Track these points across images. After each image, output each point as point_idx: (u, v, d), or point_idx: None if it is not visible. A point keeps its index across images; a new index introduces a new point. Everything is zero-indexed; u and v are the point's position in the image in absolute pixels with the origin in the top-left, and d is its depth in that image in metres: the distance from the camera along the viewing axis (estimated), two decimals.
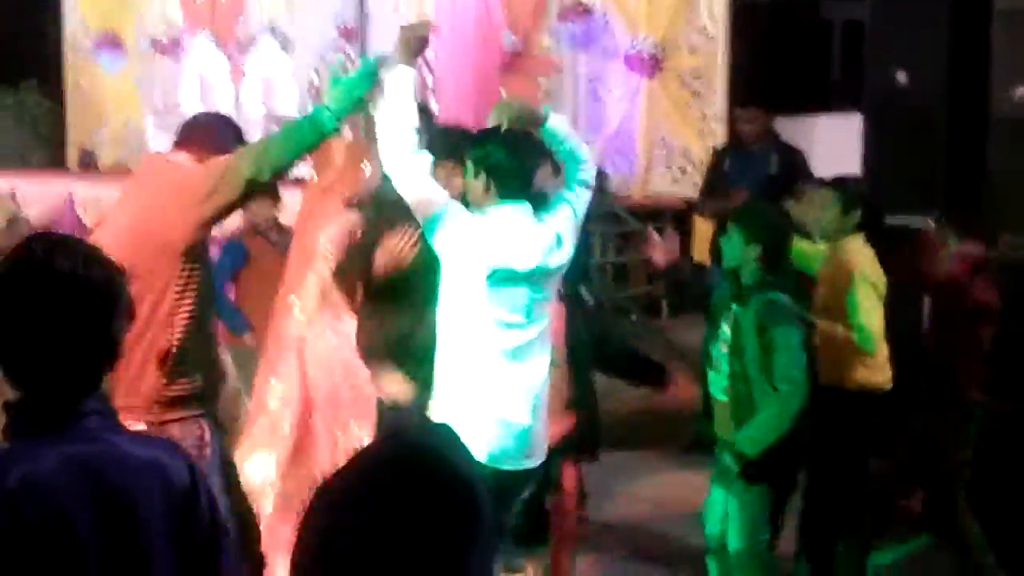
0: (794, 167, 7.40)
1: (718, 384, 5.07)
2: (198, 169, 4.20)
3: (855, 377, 5.61)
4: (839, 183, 6.09)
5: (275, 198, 6.80)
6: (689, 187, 11.29)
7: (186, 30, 14.88)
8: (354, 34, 13.25)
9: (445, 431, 1.62)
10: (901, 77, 6.71)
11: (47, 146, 16.05)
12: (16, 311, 2.20)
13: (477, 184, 4.33)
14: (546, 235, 4.35)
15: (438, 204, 4.23)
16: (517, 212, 4.31)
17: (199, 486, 2.28)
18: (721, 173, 7.83)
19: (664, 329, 10.21)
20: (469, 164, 4.37)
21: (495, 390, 4.29)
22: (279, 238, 6.67)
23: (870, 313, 5.53)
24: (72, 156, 15.50)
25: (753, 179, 7.21)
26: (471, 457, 1.60)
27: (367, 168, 5.76)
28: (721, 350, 5.04)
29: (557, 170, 5.30)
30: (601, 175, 12.01)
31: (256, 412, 5.75)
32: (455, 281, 4.27)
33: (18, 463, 2.11)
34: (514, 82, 12.61)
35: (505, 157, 4.34)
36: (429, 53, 11.93)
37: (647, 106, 12.29)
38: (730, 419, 4.98)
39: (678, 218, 11.15)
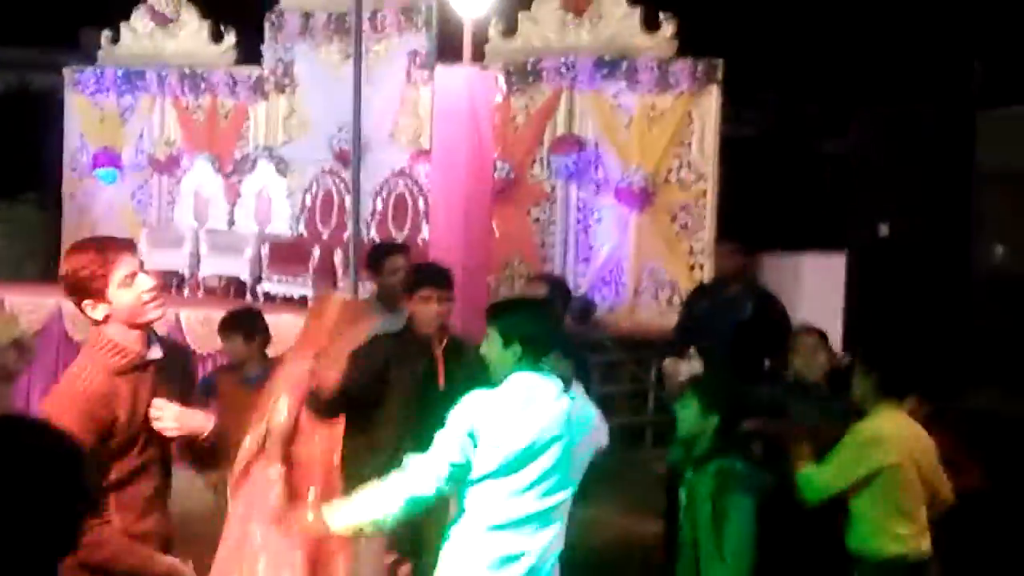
0: (769, 313, 7.40)
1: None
2: None
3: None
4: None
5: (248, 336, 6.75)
6: (676, 319, 11.38)
7: (185, 150, 15.11)
8: (348, 157, 13.45)
9: None
10: (883, 229, 6.83)
11: (41, 258, 16.17)
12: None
13: (508, 354, 4.36)
14: (575, 409, 4.39)
15: (462, 447, 4.23)
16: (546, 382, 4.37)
17: None
18: (695, 316, 7.81)
19: (646, 461, 10.23)
20: (498, 334, 4.39)
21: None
22: (258, 373, 6.54)
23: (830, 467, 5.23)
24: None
25: (727, 324, 7.21)
26: None
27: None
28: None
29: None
30: (588, 304, 12.21)
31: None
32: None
33: None
34: (506, 210, 12.82)
35: (537, 326, 4.45)
36: (422, 179, 12.24)
37: (636, 238, 12.47)
38: None
39: (662, 351, 11.20)
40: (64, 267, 3.87)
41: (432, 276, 5.66)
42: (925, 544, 5.22)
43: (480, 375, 5.02)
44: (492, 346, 4.39)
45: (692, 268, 12.16)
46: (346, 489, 5.03)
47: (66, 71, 16.12)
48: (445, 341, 5.60)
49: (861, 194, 7.30)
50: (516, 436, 4.21)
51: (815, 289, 10.81)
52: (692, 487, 4.98)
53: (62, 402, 3.76)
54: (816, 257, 11.19)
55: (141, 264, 3.93)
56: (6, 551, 2.14)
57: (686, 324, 7.84)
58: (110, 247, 3.85)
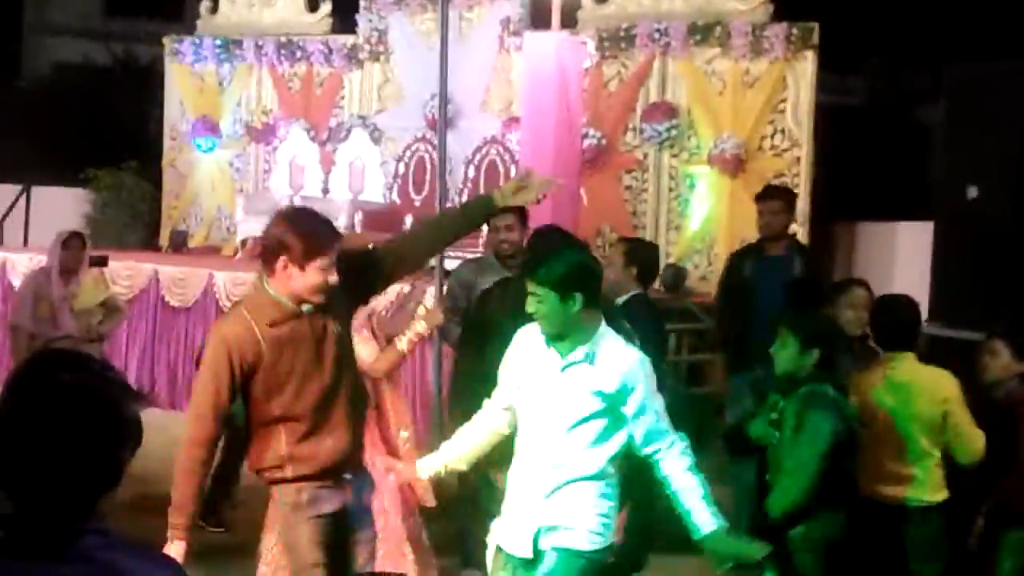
0: (818, 272, 7.30)
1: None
2: None
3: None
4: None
5: None
6: None
7: (280, 118, 15.27)
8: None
9: None
10: (971, 191, 6.66)
11: (143, 226, 16.49)
12: (20, 427, 2.16)
13: (568, 306, 4.29)
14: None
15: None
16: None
17: None
18: (741, 277, 7.68)
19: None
20: (550, 290, 4.30)
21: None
22: None
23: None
24: (165, 237, 15.89)
25: (776, 284, 7.10)
26: None
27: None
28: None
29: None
30: (680, 272, 12.11)
31: None
32: None
33: None
34: (597, 178, 12.77)
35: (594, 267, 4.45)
36: (514, 146, 12.23)
37: (729, 206, 12.32)
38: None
39: None
40: (282, 223, 4.36)
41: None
42: None
43: None
44: (545, 301, 4.27)
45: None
46: (453, 425, 5.11)
47: (166, 41, 16.38)
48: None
49: (950, 157, 7.10)
50: None
51: (908, 257, 10.65)
52: (783, 415, 4.94)
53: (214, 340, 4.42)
54: (909, 225, 11.00)
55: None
56: (48, 485, 2.15)
57: (732, 284, 7.73)
58: (332, 234, 4.42)
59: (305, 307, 4.40)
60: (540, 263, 4.40)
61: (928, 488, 5.37)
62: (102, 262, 9.17)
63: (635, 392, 4.24)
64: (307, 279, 4.31)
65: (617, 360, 4.29)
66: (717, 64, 12.52)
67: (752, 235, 12.03)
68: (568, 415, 4.30)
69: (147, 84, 18.22)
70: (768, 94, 12.20)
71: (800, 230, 11.65)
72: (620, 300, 6.12)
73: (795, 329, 5.02)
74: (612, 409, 4.26)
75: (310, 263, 4.29)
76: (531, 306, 4.33)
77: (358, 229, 13.06)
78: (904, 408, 5.32)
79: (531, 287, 4.30)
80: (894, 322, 5.46)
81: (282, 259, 4.30)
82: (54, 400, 2.16)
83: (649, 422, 4.27)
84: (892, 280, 10.70)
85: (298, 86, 15.39)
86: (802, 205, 11.96)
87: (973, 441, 5.33)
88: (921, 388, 5.33)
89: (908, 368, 5.39)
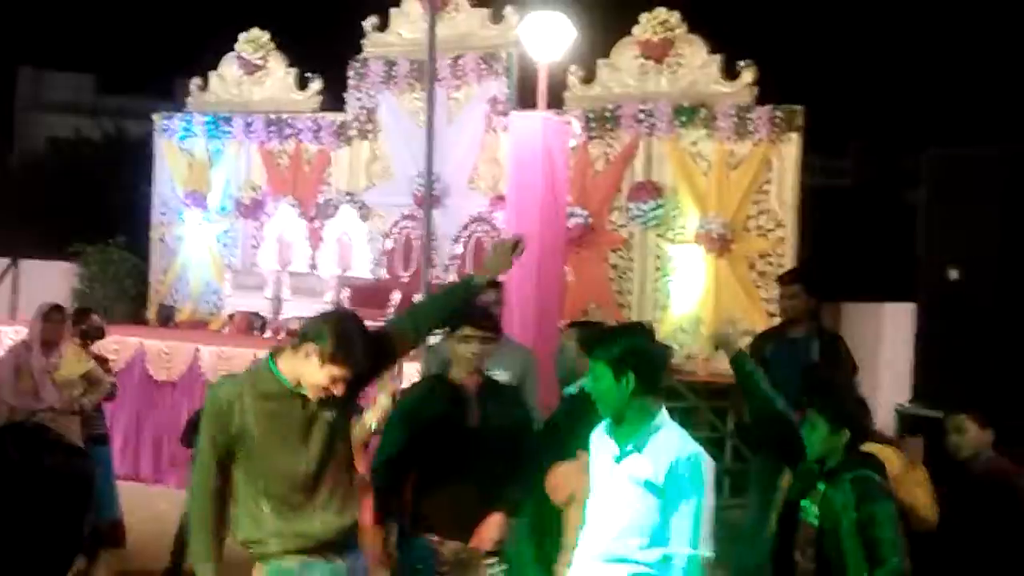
0: (836, 354, 7.31)
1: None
2: None
3: None
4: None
5: None
6: None
7: (269, 194, 15.35)
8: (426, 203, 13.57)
9: None
10: (952, 273, 6.71)
11: (130, 300, 16.49)
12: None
13: (621, 386, 4.29)
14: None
15: None
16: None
17: None
18: (761, 359, 7.72)
19: (724, 509, 10.10)
20: (606, 366, 4.33)
21: None
22: None
23: None
24: (153, 311, 15.89)
25: (794, 366, 7.11)
26: None
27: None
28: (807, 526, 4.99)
29: None
30: (665, 351, 12.12)
31: None
32: None
33: None
34: (583, 257, 12.83)
35: (651, 352, 4.48)
36: (501, 224, 12.29)
37: (715, 285, 12.37)
38: None
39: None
40: (341, 324, 4.51)
41: (473, 315, 5.64)
42: None
43: (518, 414, 5.09)
44: (601, 379, 4.30)
45: (771, 316, 12.03)
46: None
47: (156, 117, 16.49)
48: (480, 382, 5.60)
49: (931, 239, 7.16)
50: None
51: (894, 338, 10.68)
52: (827, 499, 4.89)
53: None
54: (894, 306, 11.04)
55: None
56: (28, 551, 2.18)
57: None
58: (365, 363, 4.53)
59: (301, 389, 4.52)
60: (600, 339, 4.43)
61: None
62: (100, 334, 9.19)
63: (679, 486, 4.20)
64: (316, 376, 4.43)
65: (669, 450, 4.24)
66: (702, 145, 12.63)
67: (738, 313, 12.19)
68: (621, 507, 4.28)
69: (137, 160, 18.28)
70: (753, 175, 12.29)
71: None
72: (569, 390, 6.01)
73: (823, 411, 5.00)
74: (663, 502, 4.22)
75: (330, 365, 4.41)
76: (589, 384, 4.36)
77: (345, 305, 13.08)
78: None
79: (590, 364, 4.34)
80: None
81: (312, 346, 4.42)
82: (28, 481, 2.21)
83: (678, 521, 4.22)
84: (878, 360, 10.71)
85: (287, 162, 15.47)
86: None
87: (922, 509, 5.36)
88: None
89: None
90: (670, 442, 4.27)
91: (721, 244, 12.31)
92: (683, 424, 11.13)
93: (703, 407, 11.64)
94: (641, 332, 4.66)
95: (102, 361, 9.25)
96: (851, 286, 12.77)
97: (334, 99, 15.24)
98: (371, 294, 13.09)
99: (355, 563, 4.68)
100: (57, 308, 8.38)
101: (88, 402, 8.20)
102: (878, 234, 13.66)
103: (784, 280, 7.78)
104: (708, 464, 4.27)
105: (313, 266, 14.30)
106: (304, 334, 4.48)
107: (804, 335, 7.44)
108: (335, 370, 4.41)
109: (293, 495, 4.49)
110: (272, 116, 15.44)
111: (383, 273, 13.89)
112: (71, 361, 8.19)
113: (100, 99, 24.40)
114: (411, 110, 14.25)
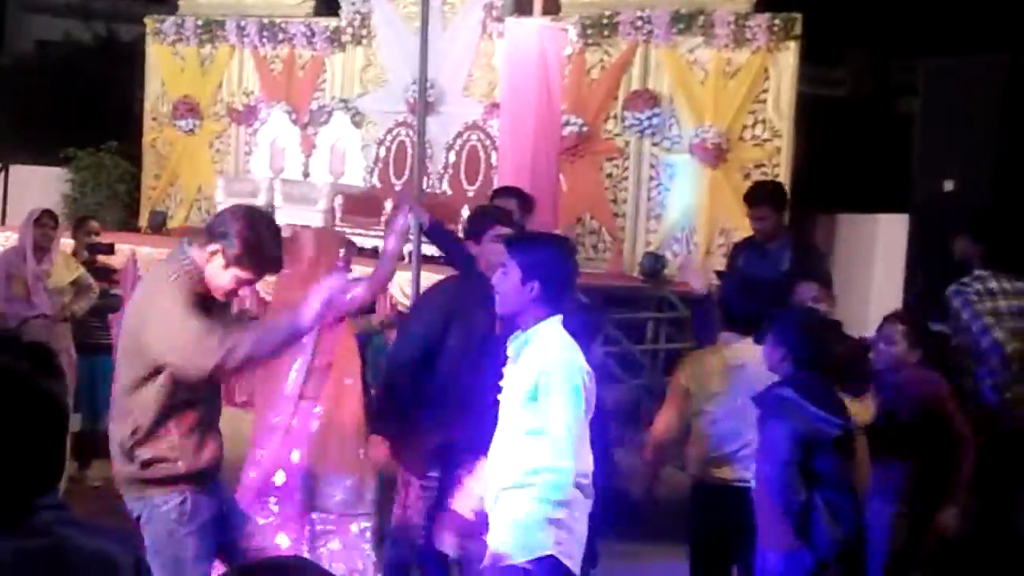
0: (809, 265, 7.33)
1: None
2: None
3: None
4: None
5: None
6: None
7: (262, 100, 15.22)
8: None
9: None
10: (947, 184, 6.67)
11: (122, 206, 16.42)
12: None
13: (524, 290, 4.28)
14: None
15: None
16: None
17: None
18: (735, 268, 7.80)
19: None
20: (518, 268, 4.30)
21: None
22: None
23: None
24: (144, 217, 15.83)
25: (765, 275, 7.15)
26: None
27: (342, 253, 5.94)
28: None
29: None
30: (659, 261, 12.11)
31: None
32: None
33: None
34: (578, 166, 12.75)
35: (562, 267, 4.42)
36: (495, 132, 12.20)
37: (709, 195, 12.32)
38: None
39: None
40: (237, 221, 4.23)
41: (500, 215, 5.66)
42: None
43: None
44: (509, 279, 4.30)
45: None
46: None
47: (148, 20, 16.32)
48: None
49: (926, 150, 7.11)
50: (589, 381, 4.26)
51: (887, 249, 10.66)
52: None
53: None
54: (888, 217, 11.01)
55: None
56: (13, 463, 2.19)
57: (725, 275, 7.86)
58: (277, 261, 4.38)
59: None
60: (521, 240, 4.43)
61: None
62: (108, 250, 9.15)
63: (543, 396, 4.19)
64: (221, 277, 4.23)
65: (536, 360, 4.24)
66: (699, 53, 12.50)
67: (731, 224, 12.15)
68: (506, 414, 4.32)
69: (129, 64, 18.09)
70: (750, 84, 12.18)
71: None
72: None
73: (774, 326, 5.02)
74: (533, 414, 4.22)
75: (235, 268, 4.21)
76: (496, 278, 4.35)
77: (338, 213, 13.03)
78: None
79: (505, 258, 4.32)
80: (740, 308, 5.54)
81: (217, 245, 4.19)
82: (14, 393, 2.20)
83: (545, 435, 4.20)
84: (871, 271, 10.71)
85: (280, 68, 15.33)
86: None
87: None
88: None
89: (744, 351, 5.41)
90: (538, 352, 4.24)
91: (717, 154, 12.24)
92: (673, 335, 11.20)
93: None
94: (561, 246, 4.66)
95: (110, 273, 9.22)
96: (846, 197, 12.72)
97: (328, 4, 15.07)
98: (364, 202, 13.03)
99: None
100: (48, 213, 8.31)
101: (78, 309, 8.17)
102: (874, 144, 13.55)
103: (750, 202, 7.78)
104: (572, 373, 4.22)
105: (306, 173, 14.22)
106: (211, 231, 4.24)
107: (777, 246, 7.48)
108: (240, 273, 4.21)
109: (202, 409, 4.29)
110: (265, 21, 15.27)
111: (376, 181, 13.82)
112: (61, 268, 8.15)
113: (91, 1, 24.06)
114: (405, 15, 14.06)
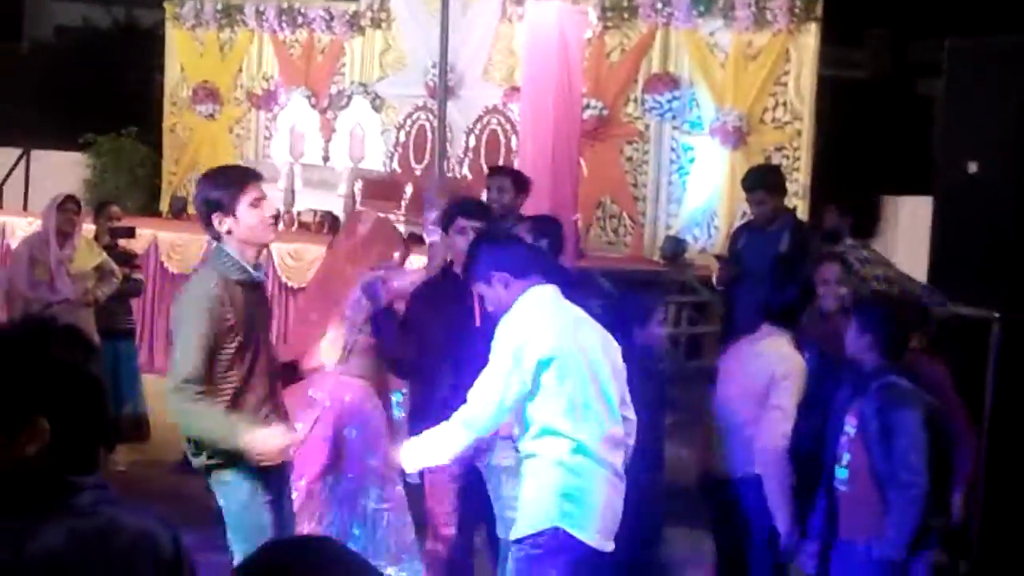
0: (805, 247, 7.38)
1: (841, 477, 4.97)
2: None
3: None
4: None
5: None
6: None
7: (282, 85, 15.22)
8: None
9: None
10: (971, 166, 6.63)
11: (143, 191, 16.46)
12: (17, 396, 2.23)
13: (499, 287, 4.53)
14: None
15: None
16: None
17: (182, 555, 2.36)
18: (734, 251, 7.92)
19: None
20: (485, 283, 4.60)
21: None
22: None
23: None
24: (165, 202, 15.86)
25: (764, 258, 7.20)
26: None
27: (399, 255, 5.92)
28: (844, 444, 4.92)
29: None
30: (679, 244, 12.09)
31: None
32: None
33: (29, 537, 2.18)
34: (598, 149, 12.72)
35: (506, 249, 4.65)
36: (515, 116, 12.18)
37: (730, 178, 12.27)
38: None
39: None
40: (200, 184, 4.49)
41: (467, 207, 5.64)
42: None
43: None
44: (486, 289, 4.52)
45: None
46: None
47: (167, 5, 16.32)
48: None
49: (950, 132, 7.07)
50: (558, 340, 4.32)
51: (909, 232, 10.61)
52: (861, 411, 4.82)
53: (187, 300, 4.40)
54: (910, 199, 10.97)
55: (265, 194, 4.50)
56: (57, 444, 2.22)
57: (728, 257, 8.02)
58: (245, 172, 4.60)
59: (258, 274, 4.49)
60: (466, 267, 4.74)
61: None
62: (129, 233, 9.18)
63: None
64: (250, 216, 4.36)
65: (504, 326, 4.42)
66: (720, 36, 12.45)
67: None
68: None
69: (148, 48, 18.12)
70: (770, 67, 12.14)
71: (800, 204, 11.63)
72: None
73: (858, 312, 5.04)
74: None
75: (242, 198, 4.35)
76: (479, 293, 4.64)
77: (358, 198, 13.02)
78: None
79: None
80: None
81: (216, 206, 4.36)
82: (46, 375, 2.23)
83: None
84: (894, 255, 10.67)
85: (299, 52, 15.33)
86: (803, 179, 11.95)
87: None
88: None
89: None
90: (509, 318, 4.43)
91: (737, 137, 12.20)
92: (695, 318, 11.19)
93: (715, 300, 11.63)
94: (490, 236, 4.88)
95: (132, 257, 9.24)
96: (868, 179, 12.68)
97: None
98: (384, 187, 13.01)
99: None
100: (71, 198, 8.35)
101: (101, 294, 8.20)
102: (896, 126, 13.51)
103: (745, 187, 7.84)
104: (516, 337, 4.35)
105: (326, 158, 14.20)
106: (200, 211, 4.43)
107: (776, 228, 7.55)
108: (251, 192, 4.37)
109: (262, 393, 4.46)
110: (284, 5, 15.26)
111: (396, 166, 13.81)
112: (84, 253, 8.18)
113: None
114: None
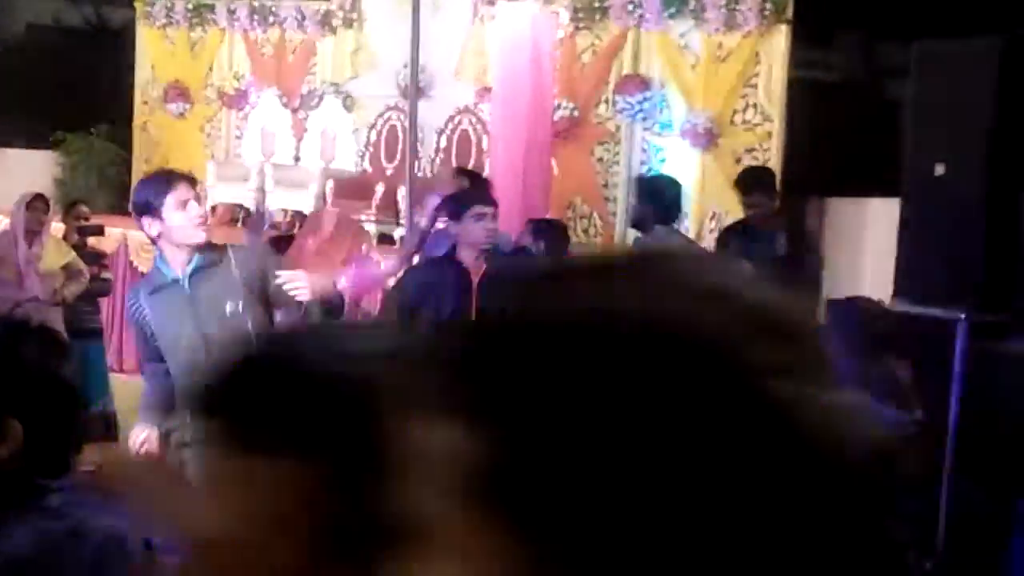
0: (803, 248, 7.35)
1: None
2: None
3: None
4: None
5: None
6: None
7: (253, 84, 15.18)
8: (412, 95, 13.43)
9: None
10: (939, 168, 6.67)
11: (112, 190, 16.38)
12: None
13: None
14: None
15: None
16: None
17: (154, 556, 2.36)
18: (729, 252, 7.77)
19: None
20: None
21: None
22: None
23: None
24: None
25: (758, 259, 7.13)
26: None
27: (366, 248, 5.95)
28: None
29: None
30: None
31: None
32: None
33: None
34: (569, 150, 12.74)
35: None
36: (487, 116, 12.19)
37: (700, 179, 12.32)
38: None
39: None
40: (133, 189, 4.91)
41: (480, 194, 5.68)
42: None
43: None
44: None
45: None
46: None
47: (138, 3, 16.26)
48: (483, 271, 5.53)
49: (918, 134, 7.12)
50: None
51: (878, 234, 10.65)
52: None
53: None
54: (879, 201, 11.01)
55: (197, 195, 4.65)
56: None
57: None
58: (171, 174, 4.68)
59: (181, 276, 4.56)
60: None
61: None
62: (98, 231, 9.16)
63: None
64: (177, 217, 4.48)
65: None
66: (690, 37, 12.48)
67: (722, 208, 12.14)
68: None
69: (119, 47, 18.05)
70: (741, 68, 12.18)
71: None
72: None
73: None
74: None
75: (169, 198, 4.47)
76: None
77: (329, 198, 12.99)
78: None
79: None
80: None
81: (145, 220, 4.53)
82: (17, 377, 2.24)
83: None
84: (862, 256, 10.74)
85: (271, 52, 15.29)
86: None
87: None
88: None
89: None
90: None
91: (708, 138, 12.23)
92: None
93: None
94: None
95: (100, 256, 9.21)
96: (837, 181, 12.73)
97: None
98: (355, 187, 13.01)
99: None
100: (40, 197, 8.33)
101: (69, 294, 8.18)
102: (866, 128, 13.56)
103: (743, 188, 7.80)
104: None
105: (297, 158, 14.19)
106: (135, 215, 4.58)
107: (770, 230, 7.49)
108: (179, 193, 4.46)
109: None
110: (256, 3, 15.22)
111: (367, 166, 13.80)
112: (52, 252, 8.16)
113: None
114: None
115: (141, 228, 4.58)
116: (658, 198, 6.80)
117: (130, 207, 4.70)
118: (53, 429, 2.25)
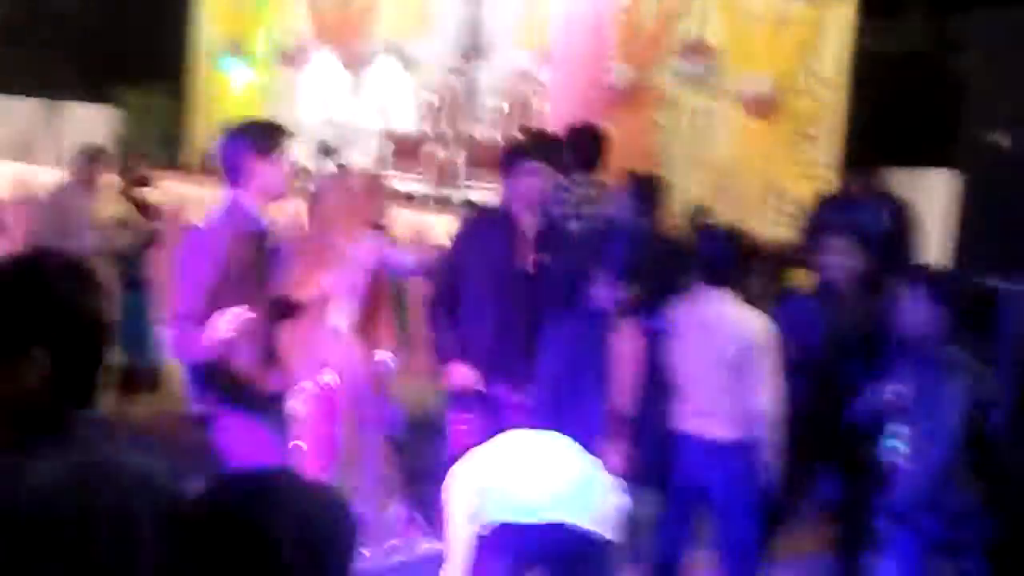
0: (906, 222, 7.17)
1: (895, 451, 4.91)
2: None
3: None
4: None
5: None
6: (791, 231, 11.16)
7: (312, 43, 15.16)
8: (472, 57, 13.38)
9: None
10: (1002, 140, 6.55)
11: (171, 146, 16.48)
12: (14, 327, 2.23)
13: None
14: None
15: None
16: None
17: (181, 512, 2.36)
18: (822, 222, 7.57)
19: None
20: None
21: None
22: None
23: None
24: (191, 157, 15.87)
25: (859, 232, 6.96)
26: None
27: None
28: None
29: None
30: (703, 212, 12.02)
31: None
32: None
33: (29, 468, 2.17)
34: (628, 115, 12.64)
35: None
36: (544, 79, 12.11)
37: (759, 148, 12.19)
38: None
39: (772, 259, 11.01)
40: (223, 136, 4.61)
41: (539, 148, 5.63)
42: None
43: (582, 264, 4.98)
44: None
45: (813, 180, 11.86)
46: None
47: None
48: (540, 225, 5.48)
49: (980, 105, 6.98)
50: None
51: (938, 205, 10.51)
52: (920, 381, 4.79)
53: (198, 244, 4.55)
54: (939, 172, 10.85)
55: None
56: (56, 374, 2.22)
57: (813, 229, 7.66)
58: (280, 128, 4.67)
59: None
60: None
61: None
62: (145, 182, 9.21)
63: None
64: (263, 175, 4.56)
65: None
66: (754, 4, 12.33)
67: (779, 176, 12.02)
68: None
69: (179, 2, 18.12)
70: (804, 37, 12.02)
71: (830, 175, 11.55)
72: None
73: (926, 285, 4.91)
74: None
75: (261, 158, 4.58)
76: None
77: (388, 158, 13.01)
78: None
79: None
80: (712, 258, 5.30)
81: (246, 166, 4.55)
82: (43, 306, 2.22)
83: None
84: (925, 227, 10.62)
85: (331, 9, 15.25)
86: (834, 151, 11.85)
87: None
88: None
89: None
90: None
91: (768, 106, 12.10)
92: None
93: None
94: None
95: (153, 209, 9.27)
96: (900, 152, 12.57)
97: None
98: (413, 147, 12.98)
99: None
100: (98, 150, 8.38)
101: (123, 244, 8.23)
102: (928, 99, 13.38)
103: (851, 165, 7.66)
104: None
105: (355, 117, 14.17)
106: (230, 158, 4.54)
107: (870, 201, 7.27)
108: (274, 148, 4.56)
109: None
110: None
111: (425, 127, 13.76)
112: (107, 203, 8.22)
113: None
114: None
115: (229, 176, 4.52)
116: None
117: (222, 154, 4.55)
118: (81, 359, 2.25)
